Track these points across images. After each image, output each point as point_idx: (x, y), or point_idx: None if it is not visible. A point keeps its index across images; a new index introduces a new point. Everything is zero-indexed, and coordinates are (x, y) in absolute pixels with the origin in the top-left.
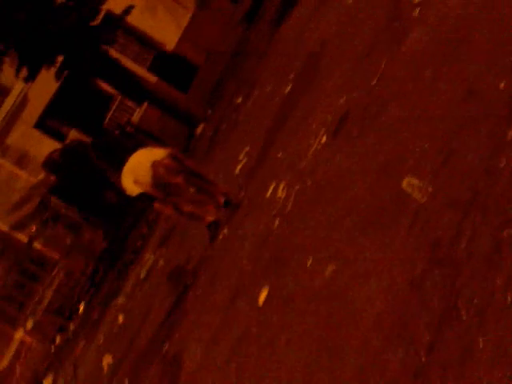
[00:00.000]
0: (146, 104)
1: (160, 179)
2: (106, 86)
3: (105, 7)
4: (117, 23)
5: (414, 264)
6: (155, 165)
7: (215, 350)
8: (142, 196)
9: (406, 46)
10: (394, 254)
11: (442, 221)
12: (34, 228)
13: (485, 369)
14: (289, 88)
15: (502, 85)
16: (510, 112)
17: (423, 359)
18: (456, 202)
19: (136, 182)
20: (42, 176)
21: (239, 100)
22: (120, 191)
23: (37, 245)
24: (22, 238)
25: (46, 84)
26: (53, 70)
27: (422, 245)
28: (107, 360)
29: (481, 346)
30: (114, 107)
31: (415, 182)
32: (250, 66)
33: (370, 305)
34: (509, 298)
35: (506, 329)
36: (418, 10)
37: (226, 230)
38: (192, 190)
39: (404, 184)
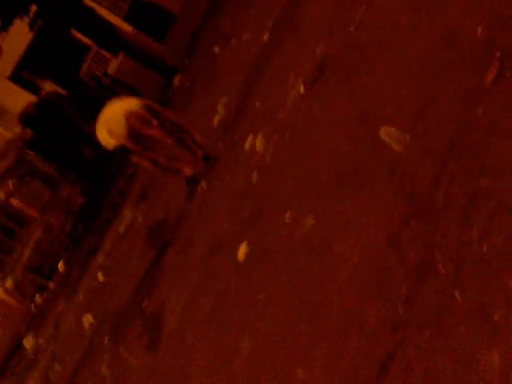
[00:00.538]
0: (121, 54)
1: (134, 130)
2: (81, 37)
3: None
4: None
5: (391, 216)
6: (128, 115)
7: (195, 306)
8: (118, 149)
9: None
10: (372, 207)
11: (419, 171)
12: (10, 184)
13: (461, 321)
14: (266, 36)
15: (479, 30)
16: (487, 59)
17: (401, 313)
18: (433, 152)
19: (110, 133)
20: (17, 130)
21: (217, 49)
22: (97, 144)
23: (13, 201)
24: None
25: (20, 35)
26: (27, 21)
27: (400, 197)
28: (88, 318)
29: (457, 299)
30: (89, 58)
31: (393, 131)
32: (227, 15)
33: (347, 258)
34: (485, 249)
35: (482, 281)
36: None
37: (204, 184)
38: (170, 141)
39: (382, 133)
